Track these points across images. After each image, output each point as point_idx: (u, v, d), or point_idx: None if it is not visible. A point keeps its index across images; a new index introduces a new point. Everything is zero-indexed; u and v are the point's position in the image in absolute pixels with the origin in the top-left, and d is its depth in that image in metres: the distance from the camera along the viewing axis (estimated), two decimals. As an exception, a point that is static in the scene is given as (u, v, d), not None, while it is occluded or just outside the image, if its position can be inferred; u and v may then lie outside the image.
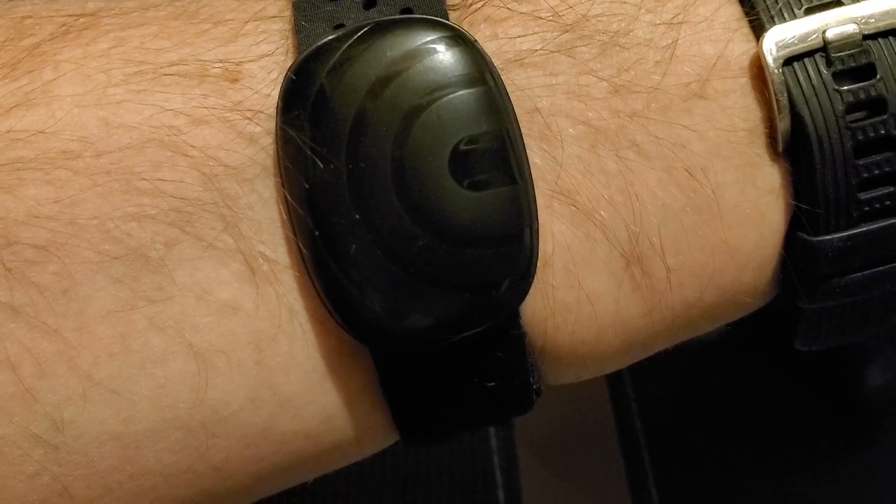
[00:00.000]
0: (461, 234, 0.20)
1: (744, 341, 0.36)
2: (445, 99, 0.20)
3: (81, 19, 0.23)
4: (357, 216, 0.20)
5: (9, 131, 0.21)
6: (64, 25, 0.23)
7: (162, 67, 0.22)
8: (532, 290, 0.21)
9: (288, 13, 0.22)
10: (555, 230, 0.21)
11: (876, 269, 0.23)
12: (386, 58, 0.21)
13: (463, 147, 0.20)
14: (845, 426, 0.35)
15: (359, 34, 0.21)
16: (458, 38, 0.21)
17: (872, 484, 0.35)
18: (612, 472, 0.37)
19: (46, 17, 0.23)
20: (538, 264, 0.21)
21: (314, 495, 0.24)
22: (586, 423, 0.38)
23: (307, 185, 0.20)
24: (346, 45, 0.21)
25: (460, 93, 0.20)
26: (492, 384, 0.22)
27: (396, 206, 0.20)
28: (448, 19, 0.21)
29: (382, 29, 0.21)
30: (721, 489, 0.35)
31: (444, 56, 0.21)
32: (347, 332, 0.21)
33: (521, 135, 0.21)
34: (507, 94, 0.21)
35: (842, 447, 0.35)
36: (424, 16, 0.21)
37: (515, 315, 0.22)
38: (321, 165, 0.20)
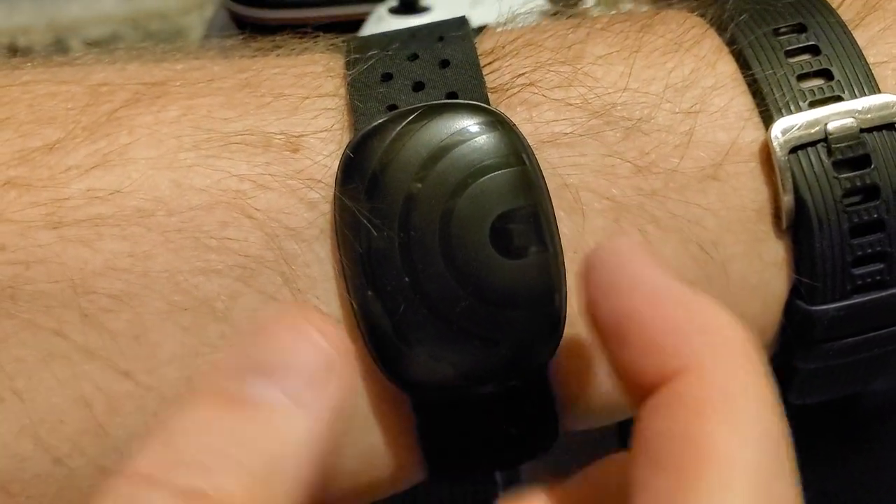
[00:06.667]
0: (499, 297, 0.22)
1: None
2: (487, 177, 0.22)
3: (153, 88, 0.25)
4: (407, 279, 0.22)
5: (89, 189, 0.23)
6: (137, 93, 0.24)
7: (229, 136, 0.23)
8: (560, 347, 0.23)
9: (343, 91, 0.24)
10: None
11: (865, 335, 0.25)
12: (435, 139, 0.22)
13: (502, 220, 0.22)
14: (846, 428, 0.35)
15: (411, 117, 0.23)
16: (499, 123, 0.23)
17: (874, 486, 0.35)
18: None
19: (120, 84, 0.25)
20: (566, 323, 0.23)
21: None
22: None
23: (361, 250, 0.22)
24: (400, 126, 0.23)
25: (500, 172, 0.22)
26: (518, 431, 0.24)
27: (443, 271, 0.22)
28: (489, 103, 0.23)
29: (432, 112, 0.23)
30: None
31: (487, 138, 0.23)
32: (393, 381, 0.23)
33: (552, 208, 0.23)
34: (541, 171, 0.23)
35: (843, 449, 0.35)
36: (469, 101, 0.23)
37: (544, 369, 0.23)
38: (375, 233, 0.22)
